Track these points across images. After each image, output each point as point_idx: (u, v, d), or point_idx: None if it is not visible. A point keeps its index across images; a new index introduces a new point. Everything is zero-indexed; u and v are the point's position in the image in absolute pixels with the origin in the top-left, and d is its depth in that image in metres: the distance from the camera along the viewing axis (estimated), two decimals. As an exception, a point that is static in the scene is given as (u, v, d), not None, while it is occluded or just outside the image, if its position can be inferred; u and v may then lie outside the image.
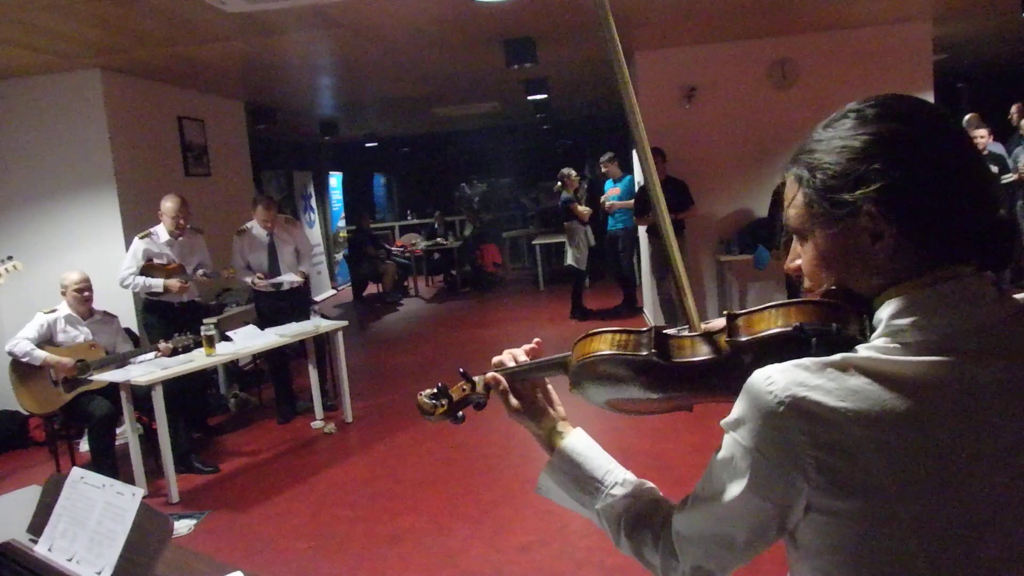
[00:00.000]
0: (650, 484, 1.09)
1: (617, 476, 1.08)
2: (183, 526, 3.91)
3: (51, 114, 5.88)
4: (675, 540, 0.94)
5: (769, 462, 0.80)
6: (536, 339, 1.20)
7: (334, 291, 13.16)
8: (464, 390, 1.23)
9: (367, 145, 14.19)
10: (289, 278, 5.63)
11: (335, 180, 14.18)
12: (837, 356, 0.79)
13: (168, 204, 5.02)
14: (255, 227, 5.66)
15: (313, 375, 5.58)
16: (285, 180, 11.88)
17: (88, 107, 5.82)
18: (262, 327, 5.27)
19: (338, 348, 5.48)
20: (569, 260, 8.64)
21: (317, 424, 5.51)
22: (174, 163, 6.76)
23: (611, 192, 8.30)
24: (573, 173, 8.62)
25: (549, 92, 8.71)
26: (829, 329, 0.83)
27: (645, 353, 0.95)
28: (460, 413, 1.24)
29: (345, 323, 5.61)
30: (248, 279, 5.61)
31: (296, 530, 3.87)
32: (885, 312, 0.82)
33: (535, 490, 1.16)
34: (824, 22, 6.55)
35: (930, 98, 6.86)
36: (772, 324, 0.87)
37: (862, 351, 0.80)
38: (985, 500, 0.77)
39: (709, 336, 0.93)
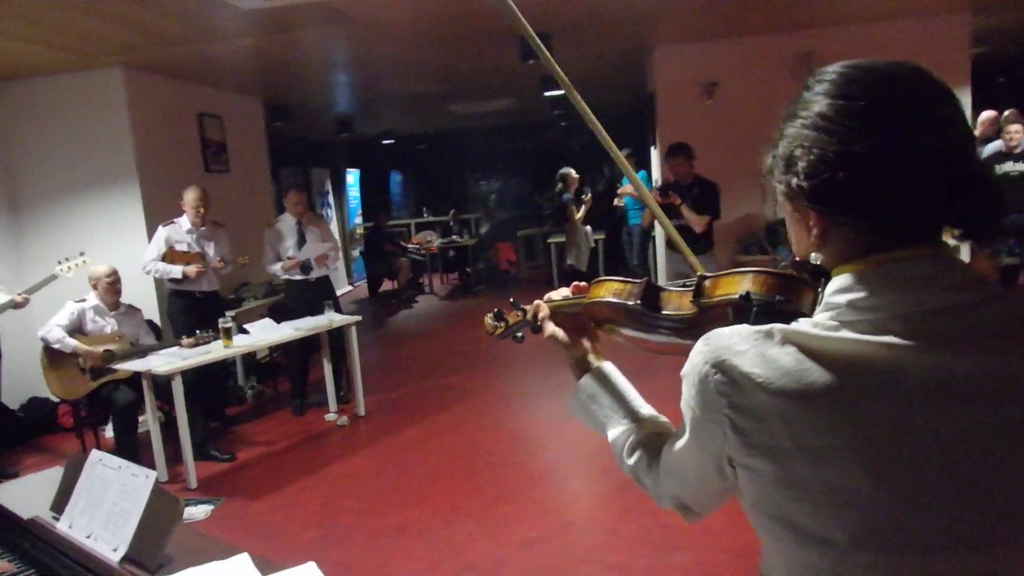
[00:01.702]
0: (664, 419, 1.19)
1: (632, 405, 1.18)
2: (200, 511, 4.05)
3: (75, 111, 6.06)
4: (660, 471, 1.05)
5: (698, 416, 0.86)
6: (577, 283, 1.32)
7: (350, 287, 13.30)
8: (517, 316, 1.43)
9: (383, 142, 14.31)
10: (316, 251, 5.71)
11: (352, 177, 14.32)
12: (769, 326, 0.82)
13: (190, 195, 5.17)
14: (285, 218, 5.79)
15: (327, 369, 5.70)
16: (303, 177, 12.02)
17: (111, 104, 5.99)
18: (288, 318, 5.40)
19: (352, 343, 5.59)
20: (569, 260, 8.66)
21: (330, 417, 5.64)
22: (194, 159, 6.92)
23: (625, 189, 8.29)
24: (573, 173, 8.58)
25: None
26: (771, 300, 0.89)
27: (631, 303, 1.09)
28: (519, 334, 1.42)
29: (359, 318, 5.72)
30: (277, 268, 5.74)
31: (306, 519, 4.00)
32: (829, 288, 0.84)
33: (569, 412, 1.26)
34: (851, 14, 6.38)
35: (967, 94, 6.68)
36: (727, 290, 0.95)
37: (799, 324, 0.82)
38: (913, 481, 0.76)
39: (689, 295, 1.03)
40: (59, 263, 4.88)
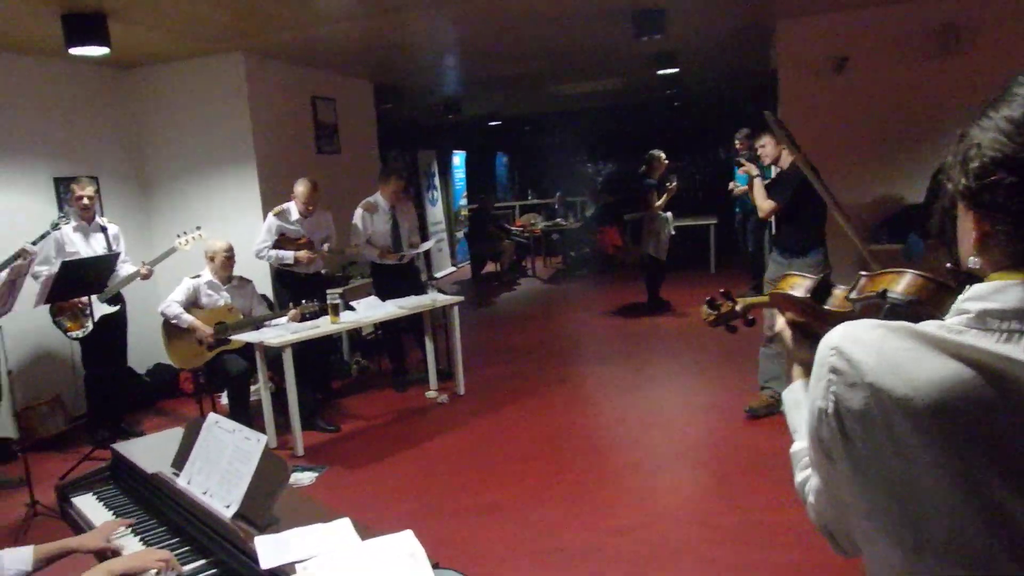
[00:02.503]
0: None
1: None
2: (305, 477, 4.29)
3: (198, 96, 6.48)
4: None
5: (813, 402, 0.89)
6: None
7: (453, 268, 13.58)
8: (728, 306, 1.53)
9: (490, 124, 14.45)
10: (425, 247, 5.92)
11: (458, 159, 14.55)
12: (896, 322, 0.84)
13: (300, 189, 5.47)
14: (380, 200, 5.99)
15: (429, 347, 5.88)
16: (410, 159, 12.31)
17: (231, 89, 6.36)
18: (381, 298, 5.59)
19: (454, 322, 5.74)
20: (647, 249, 8.22)
21: (431, 394, 5.83)
22: (307, 141, 7.23)
23: (740, 187, 7.95)
24: (663, 156, 8.11)
25: (679, 66, 8.51)
26: (903, 300, 0.96)
27: (800, 294, 1.22)
28: (732, 323, 1.53)
29: (461, 298, 5.86)
30: (370, 252, 5.93)
31: (402, 491, 4.19)
32: (964, 294, 0.84)
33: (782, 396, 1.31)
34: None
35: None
36: (874, 289, 1.03)
37: (926, 324, 0.83)
38: (997, 497, 0.76)
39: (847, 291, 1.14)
40: (178, 236, 5.30)
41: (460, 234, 13.96)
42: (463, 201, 14.65)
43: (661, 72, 8.77)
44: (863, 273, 1.07)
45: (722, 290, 1.52)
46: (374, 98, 8.67)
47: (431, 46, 7.34)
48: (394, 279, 5.98)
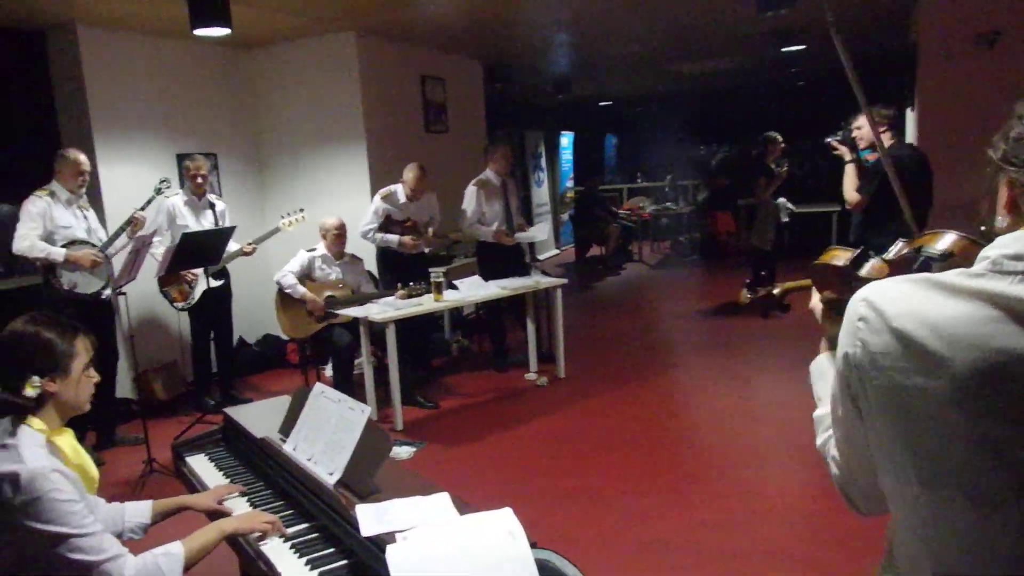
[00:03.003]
0: None
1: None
2: (404, 451, 4.41)
3: (312, 75, 6.72)
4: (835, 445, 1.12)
5: (841, 351, 0.98)
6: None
7: (557, 251, 13.58)
8: (767, 290, 1.63)
9: (600, 104, 14.30)
10: (539, 236, 5.98)
11: (566, 140, 14.49)
12: (921, 274, 0.94)
13: (409, 175, 5.61)
14: (491, 176, 6.05)
15: (530, 329, 5.91)
16: (517, 139, 12.36)
17: (344, 68, 6.55)
18: (485, 278, 5.65)
19: (556, 305, 5.75)
20: (751, 238, 7.84)
21: (530, 376, 5.87)
22: (416, 120, 7.38)
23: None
24: (779, 138, 7.75)
25: (806, 43, 8.14)
26: (936, 254, 1.05)
27: (840, 263, 1.27)
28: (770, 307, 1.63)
29: (564, 281, 5.85)
30: (484, 231, 6.00)
31: (498, 471, 4.25)
32: (988, 246, 0.91)
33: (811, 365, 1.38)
34: None
35: None
36: (916, 245, 1.12)
37: (949, 272, 0.91)
38: (1007, 430, 0.84)
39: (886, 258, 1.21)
40: (282, 217, 5.52)
41: (565, 216, 13.93)
42: (569, 183, 14.60)
43: (785, 50, 8.42)
44: (902, 240, 1.16)
45: (763, 272, 1.61)
46: (483, 77, 8.74)
47: (543, 24, 7.31)
48: (500, 259, 6.04)
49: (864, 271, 1.21)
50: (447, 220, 6.26)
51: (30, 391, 1.70)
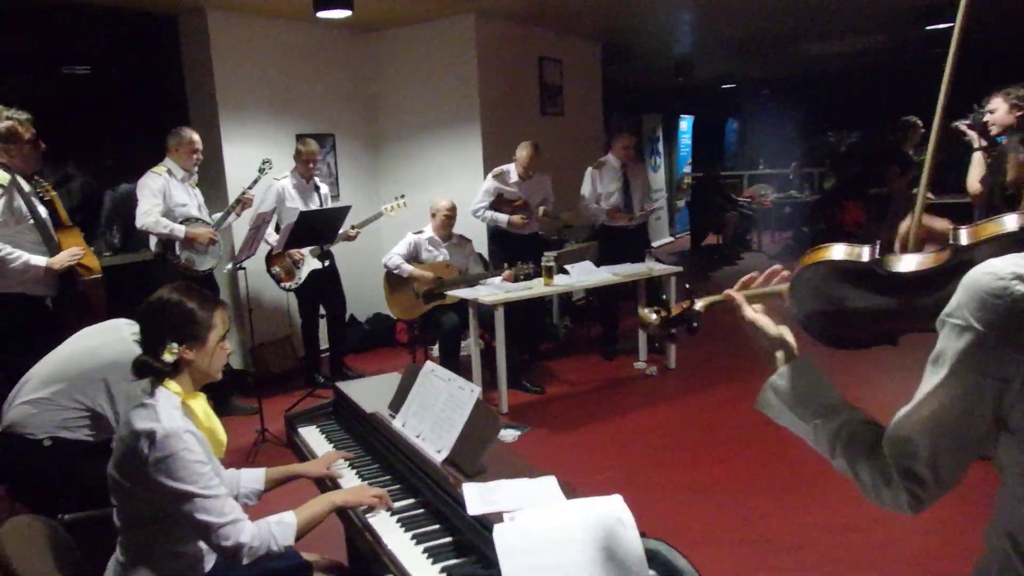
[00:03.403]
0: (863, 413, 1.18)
1: (836, 397, 1.20)
2: (508, 435, 4.45)
3: (429, 58, 6.84)
4: (887, 445, 1.03)
5: (991, 335, 0.90)
6: (774, 267, 1.33)
7: (671, 238, 13.33)
8: (682, 306, 1.37)
9: (722, 87, 13.89)
10: (640, 214, 5.89)
11: (685, 124, 14.18)
12: None
13: (522, 153, 5.61)
14: (610, 159, 5.99)
15: (641, 317, 5.82)
16: (634, 123, 12.18)
17: (461, 50, 6.63)
18: (603, 263, 5.61)
19: (670, 293, 5.63)
20: (882, 231, 7.28)
21: (639, 365, 5.81)
22: (532, 103, 7.38)
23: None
24: (919, 124, 7.22)
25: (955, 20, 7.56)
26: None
27: (867, 259, 1.07)
28: (674, 330, 1.38)
29: (679, 269, 5.72)
30: (596, 210, 5.97)
31: (603, 459, 4.23)
32: None
33: (753, 404, 1.28)
34: None
35: None
36: (995, 229, 1.00)
37: None
38: None
39: (934, 249, 1.07)
40: (385, 204, 5.66)
41: (681, 203, 13.65)
42: (687, 168, 14.29)
43: (931, 28, 7.88)
44: (959, 227, 1.03)
45: (687, 285, 1.41)
46: (601, 59, 8.64)
47: (666, 3, 7.15)
48: (620, 244, 5.98)
49: (903, 266, 1.05)
50: (560, 203, 6.24)
51: (168, 356, 1.81)
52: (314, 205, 5.62)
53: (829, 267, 1.12)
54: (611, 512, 1.32)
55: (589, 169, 6.05)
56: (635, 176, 6.07)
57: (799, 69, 12.73)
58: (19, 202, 3.50)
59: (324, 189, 5.80)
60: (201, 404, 1.92)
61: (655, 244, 11.57)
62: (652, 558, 1.32)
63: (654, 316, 1.37)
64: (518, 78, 7.21)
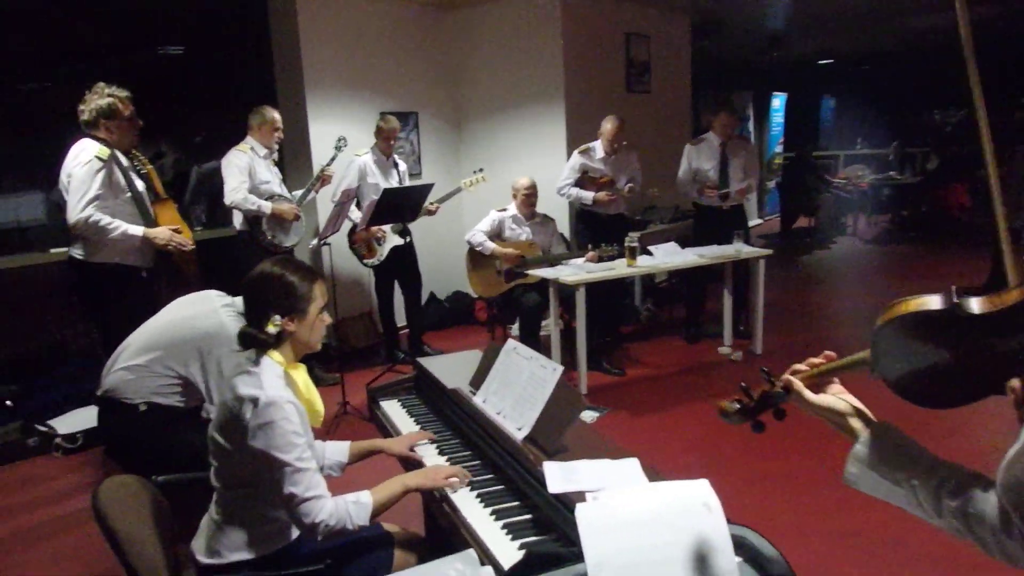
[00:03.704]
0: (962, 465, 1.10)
1: (929, 454, 1.12)
2: (587, 416, 4.45)
3: (514, 35, 6.82)
4: (1003, 492, 0.93)
5: None
6: (827, 352, 1.27)
7: (760, 221, 12.99)
8: (764, 389, 1.31)
9: (819, 63, 13.38)
10: (737, 187, 5.74)
11: (777, 101, 13.74)
12: None
13: (607, 126, 5.52)
14: (710, 137, 5.86)
15: (727, 301, 5.71)
16: (723, 100, 11.86)
17: (546, 26, 6.58)
18: (696, 243, 5.50)
19: (758, 277, 5.50)
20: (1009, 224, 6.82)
21: (724, 350, 5.69)
22: (617, 80, 7.28)
23: None
24: None
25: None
26: None
27: (942, 305, 0.96)
28: (760, 417, 1.34)
29: (769, 252, 5.57)
30: (687, 185, 5.85)
31: (685, 444, 4.17)
32: None
33: (843, 479, 1.24)
34: None
35: None
36: None
37: None
38: None
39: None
40: (464, 179, 5.71)
41: (771, 184, 13.27)
42: (778, 148, 13.86)
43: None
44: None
45: (764, 368, 1.30)
46: (690, 35, 8.44)
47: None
48: (716, 223, 5.82)
49: (995, 305, 0.92)
50: (646, 183, 6.13)
51: (271, 328, 1.86)
52: (393, 182, 5.69)
53: (905, 321, 1.02)
54: (697, 496, 1.29)
55: (687, 146, 5.94)
56: (735, 155, 5.89)
57: (901, 44, 12.14)
58: (118, 175, 3.65)
59: (402, 166, 5.86)
60: (302, 375, 1.97)
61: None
62: (739, 545, 1.28)
63: (736, 406, 1.34)
64: (604, 55, 7.11)
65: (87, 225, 3.52)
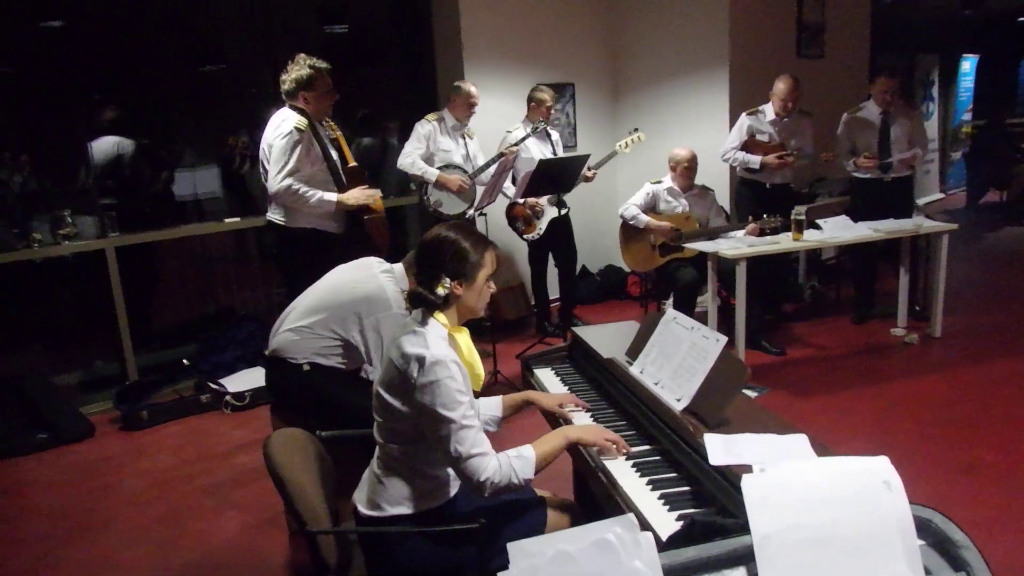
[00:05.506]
0: None
1: None
2: (747, 394, 4.28)
3: (676, 1, 6.54)
4: None
5: None
6: None
7: (942, 195, 11.99)
8: None
9: (1018, 19, 12.11)
10: (899, 157, 5.34)
11: (968, 64, 12.58)
12: None
13: (780, 85, 5.22)
14: (868, 106, 5.47)
15: (903, 279, 5.34)
16: (906, 64, 11.00)
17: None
18: (855, 219, 5.17)
19: (940, 254, 5.11)
20: None
21: (897, 331, 5.35)
22: (787, 44, 6.92)
23: None
24: None
25: None
26: None
27: None
28: None
29: (953, 226, 5.14)
30: (849, 163, 5.50)
31: (855, 428, 3.96)
32: None
33: None
34: None
35: None
36: None
37: None
38: None
39: None
40: (619, 142, 5.63)
41: (956, 155, 12.21)
42: (966, 116, 12.71)
43: None
44: None
45: None
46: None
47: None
48: (875, 198, 5.43)
49: None
50: (819, 150, 5.77)
51: (440, 290, 1.93)
52: (548, 152, 5.70)
53: None
54: (876, 474, 1.22)
55: (844, 115, 5.57)
56: (897, 123, 5.45)
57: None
58: (315, 145, 3.86)
59: (555, 136, 5.85)
60: (465, 338, 2.02)
61: (921, 201, 10.49)
62: (923, 527, 1.20)
63: None
64: (773, 19, 6.75)
65: (287, 193, 3.77)
